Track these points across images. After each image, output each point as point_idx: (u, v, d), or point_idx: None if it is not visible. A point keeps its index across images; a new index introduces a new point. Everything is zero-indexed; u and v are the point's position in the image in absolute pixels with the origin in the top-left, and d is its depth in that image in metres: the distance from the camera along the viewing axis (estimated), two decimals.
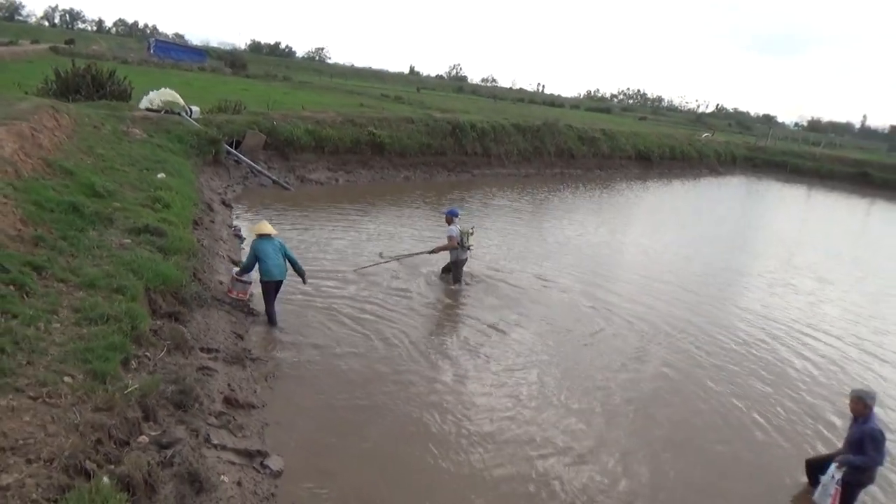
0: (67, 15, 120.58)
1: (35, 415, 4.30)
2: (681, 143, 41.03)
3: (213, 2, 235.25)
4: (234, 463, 5.19)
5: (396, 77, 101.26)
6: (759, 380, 9.05)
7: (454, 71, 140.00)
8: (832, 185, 40.82)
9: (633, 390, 8.19)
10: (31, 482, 3.67)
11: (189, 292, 7.63)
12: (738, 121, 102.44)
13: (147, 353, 5.89)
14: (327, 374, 7.49)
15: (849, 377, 9.57)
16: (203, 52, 73.54)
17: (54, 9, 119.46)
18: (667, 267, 15.03)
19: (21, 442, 3.99)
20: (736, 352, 10.03)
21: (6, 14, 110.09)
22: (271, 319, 8.57)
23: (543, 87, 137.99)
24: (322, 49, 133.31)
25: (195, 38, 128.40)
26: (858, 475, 6.02)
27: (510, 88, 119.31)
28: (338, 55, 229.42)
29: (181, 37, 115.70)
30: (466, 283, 11.54)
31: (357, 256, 12.34)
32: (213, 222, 12.41)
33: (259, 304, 8.79)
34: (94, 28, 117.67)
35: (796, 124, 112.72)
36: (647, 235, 18.86)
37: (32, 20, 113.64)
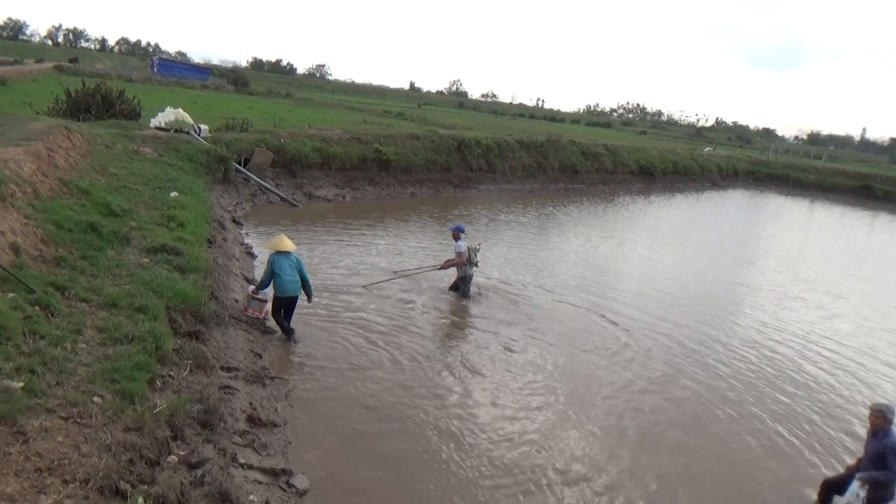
0: (71, 34, 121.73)
1: (68, 435, 4.33)
2: (683, 157, 41.27)
3: (214, 20, 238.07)
4: (260, 482, 5.19)
5: (397, 93, 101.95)
6: (788, 397, 8.99)
7: (454, 86, 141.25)
8: (835, 199, 40.91)
9: (661, 412, 8.05)
10: (70, 503, 3.69)
11: (208, 311, 7.65)
12: (737, 134, 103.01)
13: (171, 373, 5.91)
14: (345, 392, 7.49)
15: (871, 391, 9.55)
16: (206, 70, 74.09)
17: (58, 28, 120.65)
18: (677, 281, 15.08)
19: (56, 463, 4.01)
20: (761, 370, 9.95)
21: (10, 33, 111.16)
22: (286, 332, 8.60)
23: (543, 101, 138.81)
24: (323, 66, 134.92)
25: (197, 55, 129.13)
26: (881, 491, 5.98)
27: (510, 103, 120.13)
28: (338, 71, 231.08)
29: (183, 55, 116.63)
30: (478, 295, 11.65)
31: (367, 271, 12.39)
32: (225, 240, 12.46)
33: (274, 321, 8.81)
34: (98, 47, 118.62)
35: (796, 138, 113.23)
36: (655, 250, 18.91)
37: (36, 39, 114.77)
